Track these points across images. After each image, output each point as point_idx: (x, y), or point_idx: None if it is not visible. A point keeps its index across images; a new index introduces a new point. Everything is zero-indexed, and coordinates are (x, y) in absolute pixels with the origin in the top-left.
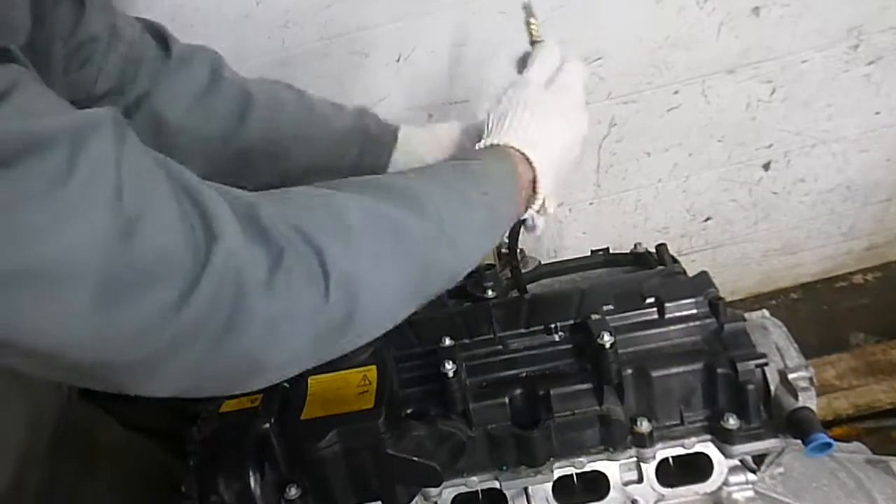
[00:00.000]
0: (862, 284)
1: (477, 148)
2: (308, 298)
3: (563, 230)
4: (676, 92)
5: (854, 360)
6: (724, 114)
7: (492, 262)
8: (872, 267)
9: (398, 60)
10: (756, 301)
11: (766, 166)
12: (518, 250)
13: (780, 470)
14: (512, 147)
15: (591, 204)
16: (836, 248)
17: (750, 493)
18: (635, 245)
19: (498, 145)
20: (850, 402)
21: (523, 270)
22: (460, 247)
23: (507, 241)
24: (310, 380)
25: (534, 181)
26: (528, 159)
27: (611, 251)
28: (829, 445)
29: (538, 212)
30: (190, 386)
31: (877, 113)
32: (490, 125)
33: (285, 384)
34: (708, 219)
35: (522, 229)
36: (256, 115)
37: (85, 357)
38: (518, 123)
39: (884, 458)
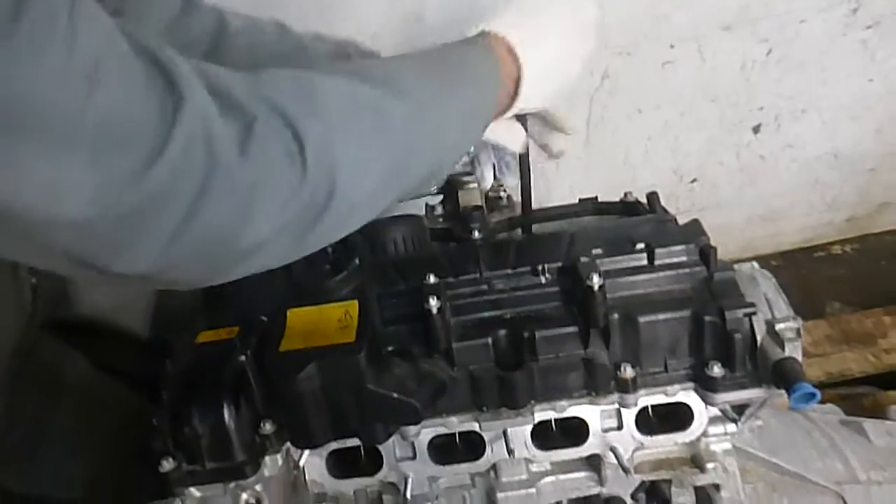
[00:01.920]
0: (840, 255)
1: (466, 38)
2: (283, 171)
3: (550, 185)
4: (672, 46)
5: (829, 328)
6: (719, 73)
7: (479, 203)
8: (851, 238)
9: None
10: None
11: (756, 129)
12: (508, 195)
13: (759, 423)
14: (500, 38)
15: (578, 159)
16: (817, 217)
17: (727, 446)
18: (625, 193)
19: (486, 33)
20: (822, 370)
21: (510, 216)
22: (440, 134)
23: (496, 181)
24: (289, 313)
25: (517, 81)
26: (515, 57)
27: (599, 199)
28: (813, 395)
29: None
30: (163, 264)
31: (870, 80)
32: (487, 12)
33: (263, 317)
34: (694, 180)
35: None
36: (232, 44)
37: (46, 215)
38: (516, 17)
39: (857, 419)
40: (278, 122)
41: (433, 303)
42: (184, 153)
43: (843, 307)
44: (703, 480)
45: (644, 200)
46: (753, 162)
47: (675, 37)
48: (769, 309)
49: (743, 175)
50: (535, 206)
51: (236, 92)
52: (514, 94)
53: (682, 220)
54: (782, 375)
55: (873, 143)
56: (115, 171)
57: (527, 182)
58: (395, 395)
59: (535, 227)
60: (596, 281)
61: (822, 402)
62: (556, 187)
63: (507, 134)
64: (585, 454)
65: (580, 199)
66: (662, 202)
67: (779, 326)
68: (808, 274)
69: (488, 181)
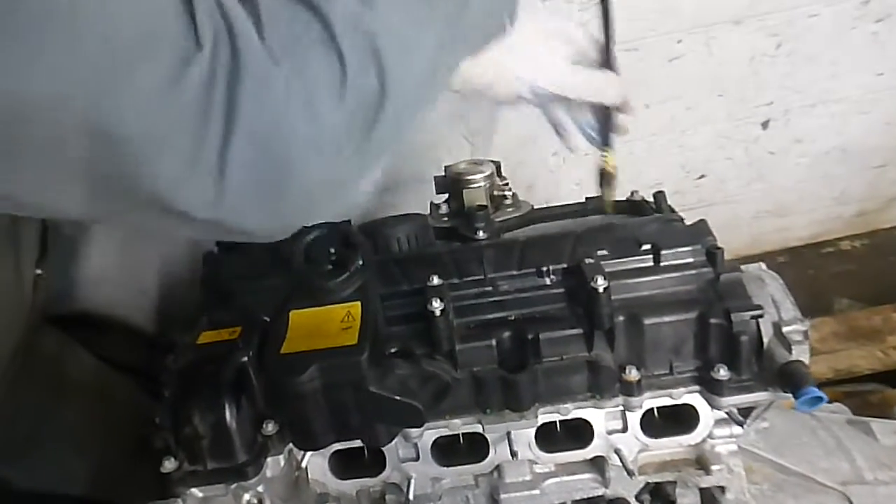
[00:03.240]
0: (849, 251)
1: None
2: (319, 56)
3: (558, 180)
4: (680, 41)
5: (837, 325)
6: (727, 67)
7: (483, 202)
8: (860, 234)
9: None
10: (743, 263)
11: (765, 125)
12: (513, 193)
13: (766, 425)
14: None
15: (585, 155)
16: (826, 212)
17: (733, 447)
18: (631, 192)
19: None
20: (829, 366)
21: (515, 215)
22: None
23: (500, 182)
24: (291, 313)
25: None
26: None
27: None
28: (820, 399)
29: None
30: (223, 189)
31: (880, 74)
32: None
33: (265, 318)
34: (702, 176)
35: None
36: None
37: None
38: None
39: (864, 418)
40: (308, 11)
41: (436, 304)
42: (211, 50)
43: (851, 303)
44: (707, 482)
45: (651, 198)
46: (762, 157)
47: (682, 30)
48: (776, 311)
49: (751, 170)
50: (543, 200)
51: None
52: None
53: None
54: (789, 379)
55: (883, 138)
56: (145, 82)
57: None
58: (398, 397)
59: (541, 227)
60: (601, 283)
61: (830, 400)
62: (563, 182)
63: (598, 84)
64: (590, 456)
65: (586, 198)
66: (669, 198)
67: (786, 329)
68: (817, 270)
69: (582, 146)
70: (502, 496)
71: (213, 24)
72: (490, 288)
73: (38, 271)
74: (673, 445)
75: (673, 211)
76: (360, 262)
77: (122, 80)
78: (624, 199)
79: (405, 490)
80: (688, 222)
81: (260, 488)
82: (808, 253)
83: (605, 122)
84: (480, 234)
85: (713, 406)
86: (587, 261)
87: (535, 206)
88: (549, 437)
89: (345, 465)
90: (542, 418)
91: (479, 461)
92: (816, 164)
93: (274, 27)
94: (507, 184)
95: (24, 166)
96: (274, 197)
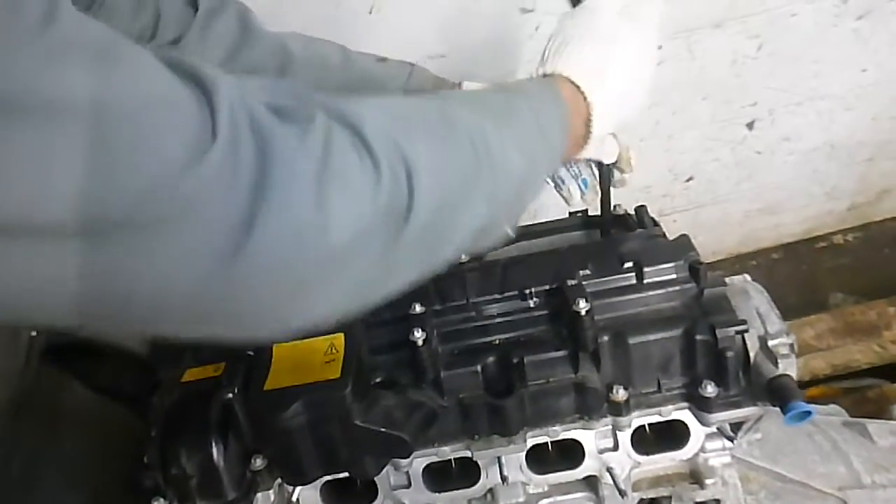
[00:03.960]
0: (842, 245)
1: (529, 77)
2: (351, 160)
3: (543, 189)
4: (661, 47)
5: (833, 321)
6: (709, 70)
7: None
8: (853, 227)
9: (370, 12)
10: (737, 261)
11: (751, 125)
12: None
13: (758, 436)
14: (566, 78)
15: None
16: (817, 208)
17: (727, 460)
18: (615, 206)
19: (551, 75)
20: (827, 363)
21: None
22: (506, 155)
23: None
24: (274, 347)
25: (588, 121)
26: (582, 94)
27: (589, 213)
28: (807, 414)
29: (617, 167)
30: (235, 271)
31: (864, 70)
32: (546, 54)
33: (249, 352)
34: (690, 178)
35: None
36: (298, 72)
37: (76, 213)
38: (578, 53)
39: (860, 420)
40: (337, 120)
41: (418, 335)
42: (231, 132)
43: (846, 298)
44: (703, 496)
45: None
46: (750, 157)
47: (663, 37)
48: (762, 324)
49: (739, 170)
50: (529, 212)
51: (288, 100)
52: (587, 134)
53: (679, 218)
54: (777, 394)
55: (870, 132)
56: (150, 168)
57: (607, 192)
58: (384, 429)
59: (525, 245)
60: (583, 306)
61: (827, 396)
62: (548, 192)
63: (602, 148)
64: (582, 476)
65: (570, 213)
66: (658, 201)
67: (772, 342)
68: (810, 265)
69: (577, 197)
70: None
71: (232, 111)
72: (473, 313)
73: (34, 333)
74: (665, 461)
75: (655, 224)
76: None
77: None
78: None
79: None
80: (677, 226)
81: None
82: (801, 248)
83: (603, 178)
84: (463, 257)
85: (702, 422)
86: (569, 282)
87: (521, 221)
88: (540, 458)
89: (337, 495)
90: (531, 441)
91: (472, 485)
92: (805, 161)
93: (313, 130)
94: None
95: None
96: (294, 275)
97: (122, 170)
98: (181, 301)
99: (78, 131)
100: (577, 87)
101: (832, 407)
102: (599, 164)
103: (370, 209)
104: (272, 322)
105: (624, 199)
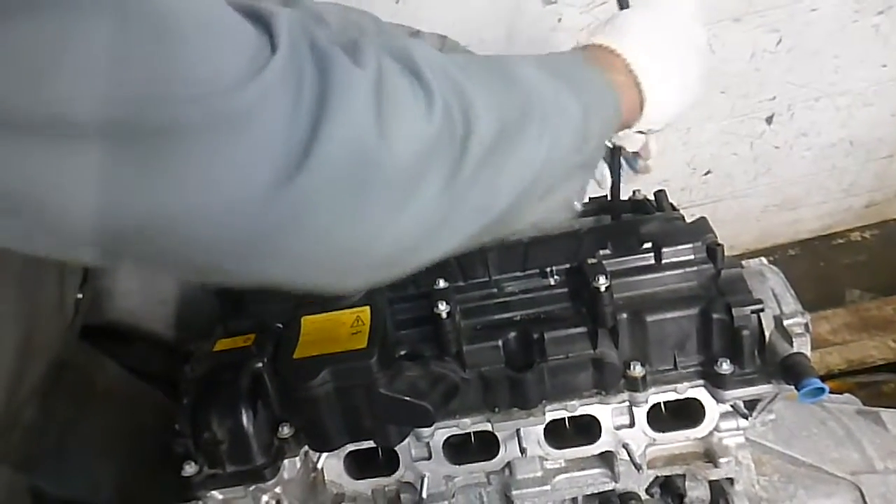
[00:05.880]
0: (860, 241)
1: (575, 47)
2: (407, 88)
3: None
4: None
5: (849, 316)
6: (729, 64)
7: None
8: (871, 224)
9: (397, 2)
10: (753, 257)
11: (769, 119)
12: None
13: (772, 417)
14: (618, 54)
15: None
16: (835, 204)
17: (741, 440)
18: (634, 192)
19: (601, 47)
20: (842, 357)
21: None
22: (562, 119)
23: None
24: (303, 320)
25: (641, 104)
26: (634, 79)
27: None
28: (822, 390)
29: (637, 154)
30: (300, 194)
31: (884, 66)
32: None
33: (279, 324)
34: (708, 172)
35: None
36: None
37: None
38: (637, 26)
39: (874, 409)
40: (389, 53)
41: (442, 307)
42: (291, 50)
43: (862, 294)
44: (716, 475)
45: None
46: (768, 151)
47: None
48: (777, 304)
49: (757, 165)
50: None
51: (340, 36)
52: (638, 114)
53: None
54: (791, 371)
55: (890, 128)
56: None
57: (616, 178)
58: (408, 398)
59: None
60: (602, 282)
61: (842, 391)
62: None
63: (629, 136)
64: (598, 451)
65: (589, 198)
66: (677, 195)
67: (787, 322)
68: (827, 262)
69: (609, 180)
70: (514, 492)
71: (293, 33)
72: (495, 290)
73: (80, 295)
74: (680, 439)
75: (674, 209)
76: None
77: None
78: (626, 198)
79: (419, 489)
80: (693, 219)
81: (278, 490)
82: (819, 245)
83: (615, 165)
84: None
85: (717, 399)
86: (589, 261)
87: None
88: (558, 434)
89: (360, 466)
90: (550, 415)
91: (490, 459)
92: (823, 156)
93: (365, 55)
94: None
95: None
96: (358, 202)
97: (173, 76)
98: (231, 226)
99: (126, 30)
100: (631, 71)
101: (846, 396)
102: (614, 150)
103: (427, 131)
104: (335, 257)
105: (643, 191)
